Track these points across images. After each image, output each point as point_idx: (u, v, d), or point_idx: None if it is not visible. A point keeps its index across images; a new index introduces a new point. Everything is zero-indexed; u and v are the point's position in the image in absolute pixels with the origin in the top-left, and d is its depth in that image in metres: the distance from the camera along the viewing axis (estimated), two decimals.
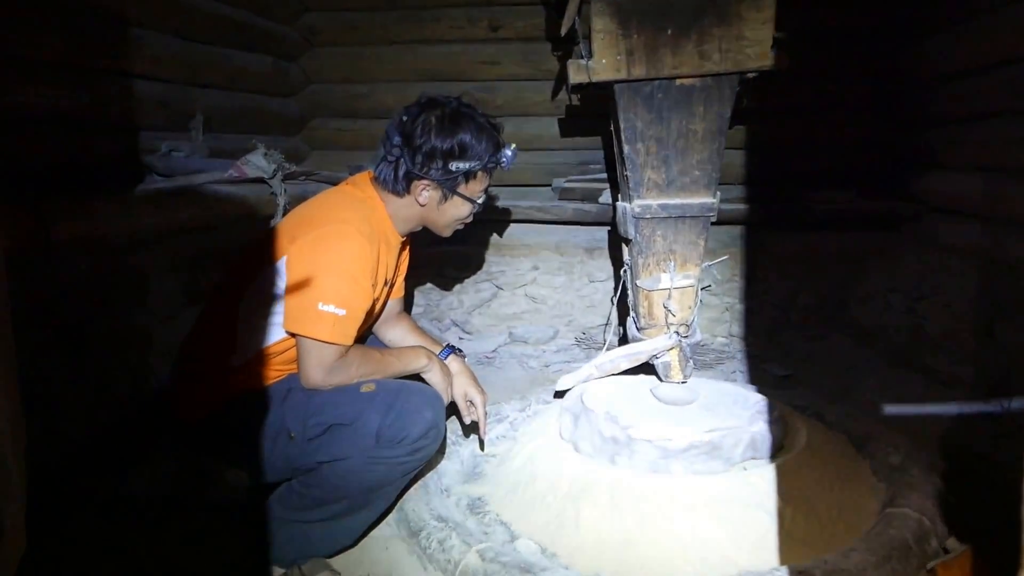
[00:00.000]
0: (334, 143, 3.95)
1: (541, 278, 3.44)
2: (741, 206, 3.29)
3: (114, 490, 1.94)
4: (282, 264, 1.77)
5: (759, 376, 2.98)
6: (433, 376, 1.94)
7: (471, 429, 2.17)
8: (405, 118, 1.90)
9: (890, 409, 1.46)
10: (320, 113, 3.95)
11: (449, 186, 1.92)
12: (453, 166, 1.89)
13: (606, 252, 3.44)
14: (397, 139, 1.89)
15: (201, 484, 1.91)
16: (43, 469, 1.82)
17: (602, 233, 3.45)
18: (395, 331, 2.19)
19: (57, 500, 1.85)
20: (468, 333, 3.35)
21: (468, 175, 1.92)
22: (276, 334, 1.80)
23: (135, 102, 2.58)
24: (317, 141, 3.98)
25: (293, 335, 1.76)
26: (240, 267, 1.90)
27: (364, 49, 3.84)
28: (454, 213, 1.99)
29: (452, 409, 2.01)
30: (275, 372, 1.84)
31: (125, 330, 2.25)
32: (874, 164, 3.54)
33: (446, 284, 3.49)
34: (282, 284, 1.77)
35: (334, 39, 3.86)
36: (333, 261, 1.74)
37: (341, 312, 1.72)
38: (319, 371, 1.73)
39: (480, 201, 2.01)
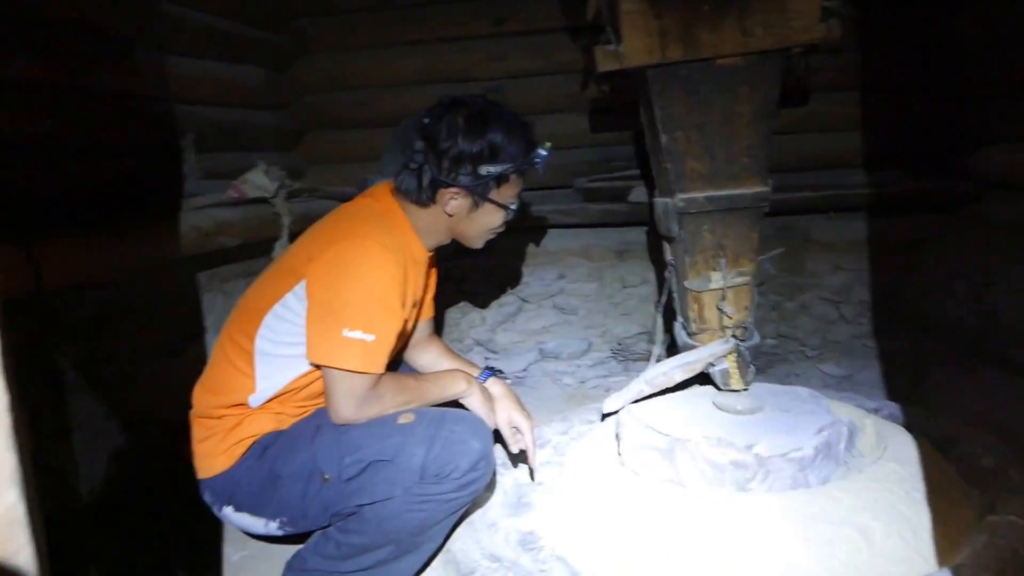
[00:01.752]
0: (334, 156, 3.92)
1: (569, 287, 3.39)
2: (782, 194, 3.23)
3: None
4: (301, 289, 1.73)
5: (816, 379, 2.93)
6: (473, 402, 1.88)
7: (518, 458, 2.11)
8: (427, 120, 1.83)
9: None
10: (317, 125, 3.93)
11: (480, 193, 1.84)
12: (483, 170, 1.80)
13: (638, 254, 3.39)
14: (419, 144, 1.82)
15: None
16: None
17: (633, 234, 3.40)
18: (427, 355, 2.13)
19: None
20: (494, 352, 3.30)
21: (500, 179, 1.84)
22: (299, 367, 1.75)
23: (120, 123, 2.55)
24: (316, 155, 3.95)
25: (318, 367, 1.71)
26: (253, 297, 1.85)
27: (359, 53, 3.82)
28: (486, 222, 1.92)
29: (496, 437, 1.95)
30: (300, 409, 1.79)
31: (125, 374, 2.20)
32: (925, 142, 3.48)
33: (466, 300, 3.44)
34: (302, 310, 1.72)
35: (326, 45, 3.84)
36: (356, 281, 1.68)
37: (370, 338, 1.66)
38: (350, 404, 1.67)
39: (514, 207, 1.94)
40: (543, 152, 1.89)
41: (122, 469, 2.09)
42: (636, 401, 2.13)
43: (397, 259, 1.74)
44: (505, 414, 1.97)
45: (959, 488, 1.96)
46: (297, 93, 3.89)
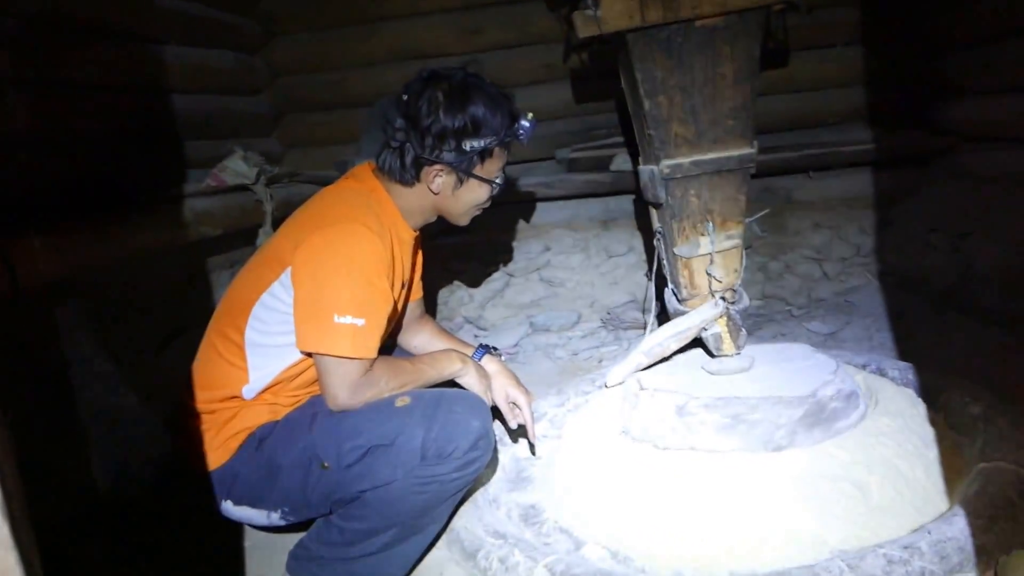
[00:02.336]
0: (312, 138, 3.86)
1: (555, 259, 3.36)
2: (763, 156, 3.22)
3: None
4: (287, 277, 1.69)
5: (803, 337, 2.93)
6: (470, 380, 1.86)
7: (518, 433, 2.10)
8: (406, 97, 1.77)
9: None
10: (292, 108, 3.85)
11: (465, 168, 1.79)
12: (467, 145, 1.75)
13: (623, 223, 3.37)
14: (400, 122, 1.76)
15: None
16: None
17: (616, 203, 3.37)
18: (419, 337, 2.11)
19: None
20: (483, 329, 3.28)
21: (484, 154, 1.79)
22: (291, 356, 1.72)
23: (91, 115, 2.48)
24: (292, 139, 3.89)
25: (309, 355, 1.68)
26: (239, 288, 1.81)
27: (330, 32, 3.74)
28: (472, 198, 1.87)
29: (494, 413, 1.94)
30: (294, 398, 1.77)
31: (108, 372, 2.16)
32: (898, 98, 3.48)
33: (453, 279, 3.41)
34: (290, 299, 1.68)
35: (297, 25, 3.76)
36: (343, 265, 1.64)
37: (360, 322, 1.63)
38: (344, 391, 1.64)
39: (499, 181, 1.89)
40: (526, 123, 1.83)
41: (127, 466, 2.07)
42: (635, 372, 2.13)
43: (383, 241, 1.70)
44: (502, 390, 1.95)
45: (949, 438, 1.97)
46: (271, 76, 3.81)
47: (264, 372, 1.73)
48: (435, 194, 1.83)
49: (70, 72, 2.38)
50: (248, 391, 1.73)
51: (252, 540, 1.96)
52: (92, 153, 2.46)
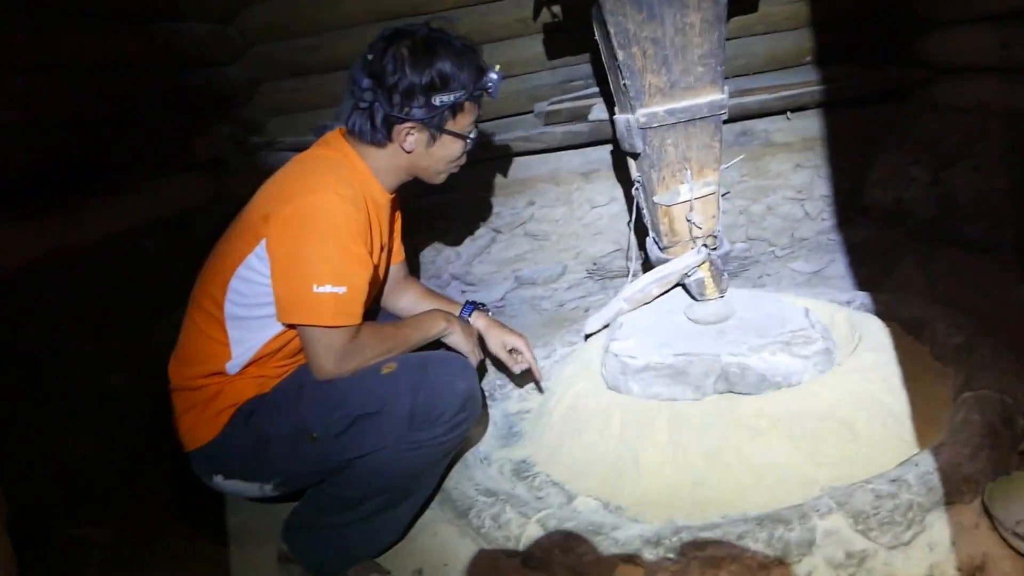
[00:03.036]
0: (292, 105, 3.73)
1: (539, 213, 3.30)
2: (739, 99, 3.14)
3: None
4: (262, 248, 1.62)
5: (787, 277, 2.90)
6: (455, 339, 1.83)
7: (524, 379, 2.11)
8: (371, 56, 1.69)
9: None
10: (270, 76, 3.73)
11: (436, 124, 1.72)
12: (437, 100, 1.69)
13: (604, 174, 3.30)
14: (366, 82, 1.68)
15: None
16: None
17: (596, 154, 3.30)
18: (405, 299, 2.06)
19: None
20: (471, 285, 3.23)
21: (455, 108, 1.72)
22: (272, 327, 1.67)
23: (62, 96, 2.39)
24: (272, 107, 3.77)
25: (292, 326, 1.63)
26: (216, 260, 1.75)
27: None
28: (445, 154, 1.80)
29: (497, 365, 1.93)
30: (280, 369, 1.73)
31: (92, 353, 2.12)
32: (873, 32, 3.38)
33: (438, 238, 3.35)
34: (266, 270, 1.62)
35: None
36: (317, 235, 1.58)
37: (340, 290, 1.58)
38: (331, 360, 1.60)
39: (472, 136, 1.82)
40: (494, 76, 1.77)
41: (109, 446, 2.04)
42: (615, 318, 2.09)
43: (357, 206, 1.64)
44: (498, 340, 1.95)
45: (933, 369, 1.96)
46: (246, 44, 3.69)
47: (246, 346, 1.68)
48: (408, 153, 1.76)
49: (40, 53, 2.29)
50: (232, 366, 1.68)
51: (247, 513, 1.95)
52: (66, 133, 2.38)
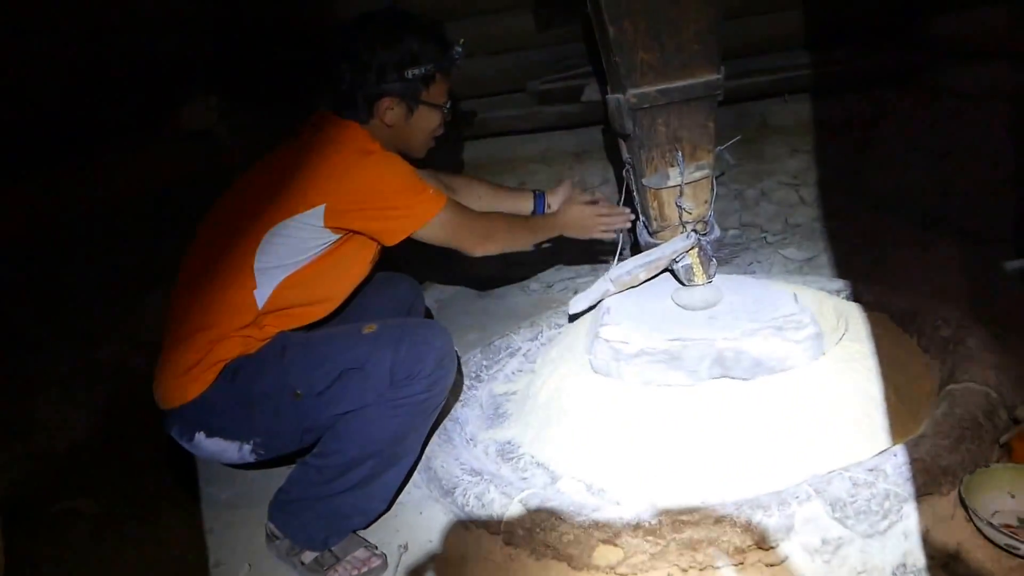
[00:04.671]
0: None
1: None
2: (736, 80, 3.16)
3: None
4: (318, 212, 1.78)
5: (778, 264, 2.94)
6: (574, 231, 2.27)
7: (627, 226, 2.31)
8: (343, 40, 1.91)
9: (1012, 265, 1.41)
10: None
11: (412, 96, 1.94)
12: (409, 74, 1.90)
13: (596, 155, 3.33)
14: (343, 64, 1.89)
15: None
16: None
17: (589, 135, 3.32)
18: (479, 198, 2.33)
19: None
20: None
21: (427, 79, 1.94)
22: (276, 279, 1.80)
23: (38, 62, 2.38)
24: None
25: (418, 241, 1.90)
26: (234, 223, 1.83)
27: None
28: (424, 125, 2.01)
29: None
30: (267, 331, 1.80)
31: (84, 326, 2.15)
32: (878, 14, 3.39)
33: None
34: (312, 229, 1.79)
35: None
36: (372, 170, 1.83)
37: (420, 188, 1.87)
38: (470, 239, 1.98)
39: (446, 104, 2.04)
40: (459, 48, 1.98)
41: (97, 420, 2.07)
42: (600, 299, 2.13)
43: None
44: (580, 212, 2.26)
45: (920, 360, 2.01)
46: None
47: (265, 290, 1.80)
48: (389, 126, 1.96)
49: (15, 18, 2.29)
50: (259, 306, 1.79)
51: (237, 489, 2.00)
52: (43, 102, 2.38)
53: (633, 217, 2.28)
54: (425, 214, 1.87)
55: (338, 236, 1.83)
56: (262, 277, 1.79)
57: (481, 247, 2.02)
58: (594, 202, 2.31)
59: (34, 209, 2.06)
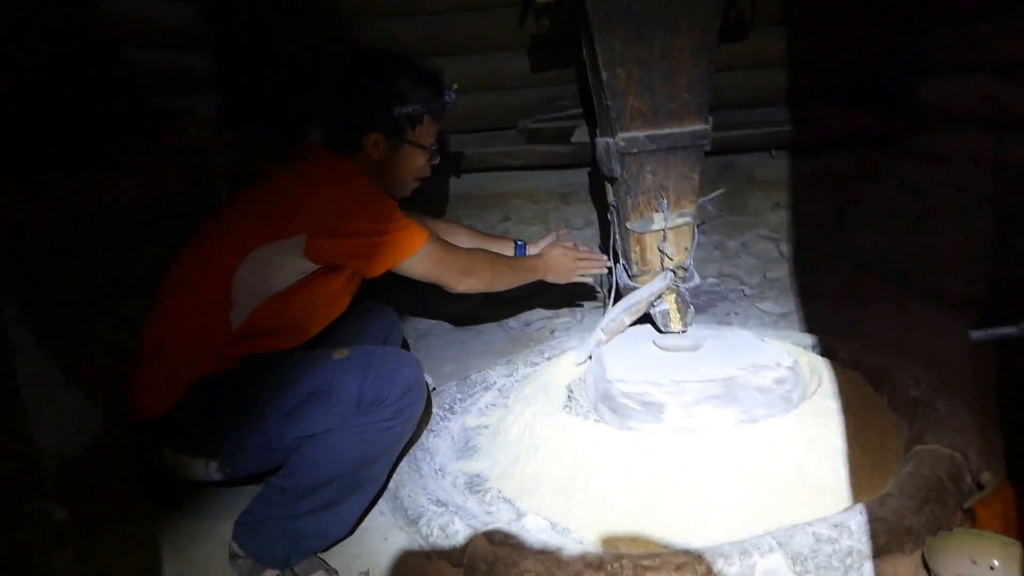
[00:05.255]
0: None
1: (514, 229, 3.36)
2: (725, 132, 3.22)
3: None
4: (297, 242, 1.77)
5: (755, 317, 2.97)
6: (554, 276, 2.28)
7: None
8: (337, 74, 1.97)
9: (977, 335, 1.45)
10: None
11: (398, 134, 1.97)
12: (396, 111, 1.93)
13: (582, 197, 3.37)
14: (334, 96, 1.95)
15: None
16: None
17: (576, 176, 3.37)
18: (457, 242, 2.27)
19: None
20: None
21: (414, 119, 1.97)
22: (250, 306, 1.79)
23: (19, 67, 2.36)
24: None
25: (398, 274, 1.92)
26: (222, 240, 1.82)
27: None
28: (408, 164, 2.03)
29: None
30: (239, 351, 1.79)
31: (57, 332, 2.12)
32: (866, 76, 3.47)
33: None
34: (291, 259, 1.79)
35: None
36: (353, 204, 1.83)
37: (402, 223, 1.87)
38: (450, 275, 1.98)
39: (433, 147, 2.06)
40: (452, 94, 2.01)
41: (80, 428, 2.05)
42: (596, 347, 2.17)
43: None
44: (562, 258, 2.30)
45: (889, 419, 2.03)
46: None
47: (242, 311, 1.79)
48: (376, 162, 1.98)
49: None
50: (230, 332, 1.78)
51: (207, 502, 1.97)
52: (23, 108, 2.36)
53: (610, 263, 2.31)
54: (407, 248, 1.89)
55: (318, 266, 1.83)
56: (239, 299, 1.78)
57: (463, 283, 2.03)
58: (575, 246, 2.37)
59: (23, 213, 2.05)
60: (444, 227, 2.43)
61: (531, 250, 2.44)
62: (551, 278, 2.29)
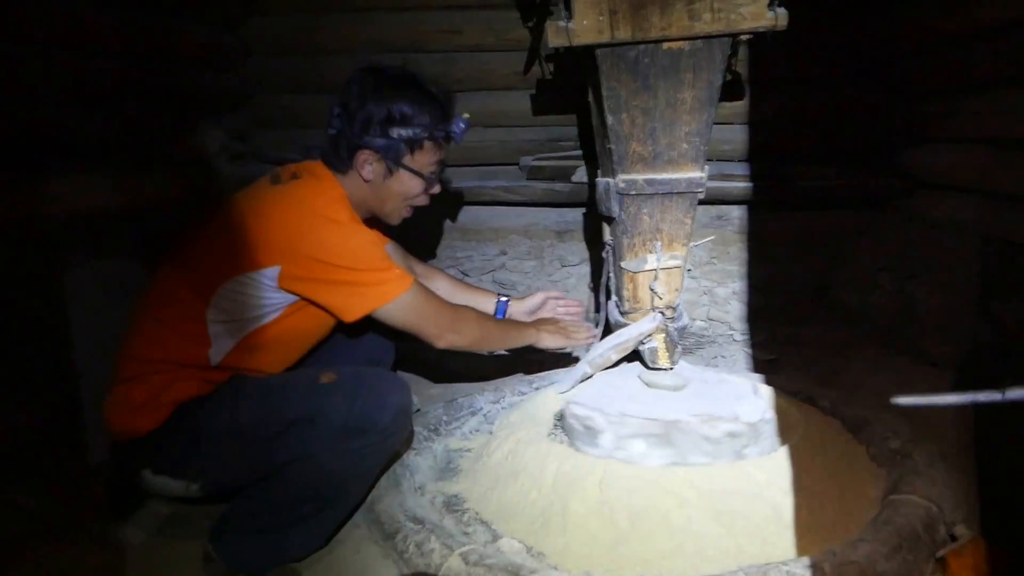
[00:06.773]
0: (282, 120, 3.83)
1: (510, 263, 3.41)
2: (720, 183, 3.29)
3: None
4: (271, 273, 1.73)
5: (742, 361, 3.00)
6: (547, 343, 2.21)
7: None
8: (344, 86, 1.88)
9: (901, 400, 1.47)
10: (265, 88, 3.83)
11: (393, 156, 1.88)
12: (394, 133, 1.85)
13: (578, 235, 3.42)
14: (336, 109, 1.86)
15: None
16: None
17: (573, 215, 3.42)
18: (438, 289, 2.19)
19: None
20: None
21: (412, 144, 1.88)
22: (235, 337, 1.78)
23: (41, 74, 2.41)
24: (263, 118, 3.86)
25: (377, 320, 1.84)
26: (200, 262, 1.80)
27: (312, 18, 3.72)
28: (401, 190, 1.94)
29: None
30: (224, 375, 1.78)
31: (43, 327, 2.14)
32: (862, 138, 3.56)
33: None
34: (266, 290, 1.75)
35: (278, 6, 3.74)
36: (335, 246, 1.75)
37: (386, 268, 1.81)
38: (432, 326, 1.89)
39: (433, 176, 1.97)
40: (461, 123, 1.93)
41: (54, 421, 2.05)
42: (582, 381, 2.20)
43: (352, 217, 1.86)
44: (556, 333, 2.25)
45: (867, 468, 2.04)
46: (244, 54, 3.78)
47: (223, 344, 1.77)
48: (367, 182, 1.90)
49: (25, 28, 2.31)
50: (208, 359, 1.76)
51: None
52: (37, 108, 2.39)
53: (598, 335, 2.29)
54: (388, 293, 1.80)
55: (294, 299, 1.78)
56: (216, 332, 1.75)
57: (445, 339, 1.93)
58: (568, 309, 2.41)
59: (20, 210, 2.08)
60: (423, 270, 2.36)
61: (515, 306, 2.39)
62: (541, 347, 2.22)
